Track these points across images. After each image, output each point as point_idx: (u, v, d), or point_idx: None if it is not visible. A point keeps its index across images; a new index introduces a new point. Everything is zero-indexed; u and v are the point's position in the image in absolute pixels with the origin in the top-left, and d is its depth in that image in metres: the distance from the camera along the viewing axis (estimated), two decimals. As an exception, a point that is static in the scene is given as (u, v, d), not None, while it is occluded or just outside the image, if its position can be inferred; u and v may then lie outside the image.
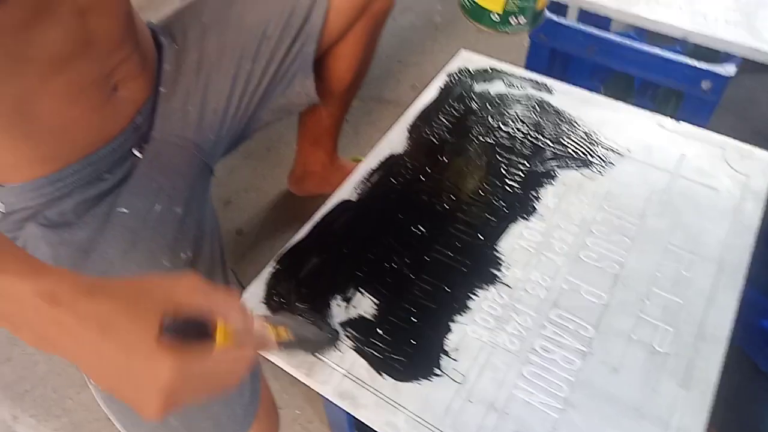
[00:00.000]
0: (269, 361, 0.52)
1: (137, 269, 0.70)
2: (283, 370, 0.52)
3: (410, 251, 0.60)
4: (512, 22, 0.63)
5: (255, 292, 0.58)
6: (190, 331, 0.40)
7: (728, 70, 0.86)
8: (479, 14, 0.64)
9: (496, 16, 0.63)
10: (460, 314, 0.55)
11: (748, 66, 0.87)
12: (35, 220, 0.68)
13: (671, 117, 0.95)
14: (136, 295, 0.39)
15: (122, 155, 0.73)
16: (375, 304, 0.56)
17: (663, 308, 0.55)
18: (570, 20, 1.05)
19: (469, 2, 0.64)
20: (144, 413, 0.38)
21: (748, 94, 1.46)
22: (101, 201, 0.70)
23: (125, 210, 0.71)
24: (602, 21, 0.99)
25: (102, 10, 0.66)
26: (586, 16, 1.01)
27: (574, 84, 1.12)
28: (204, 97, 0.82)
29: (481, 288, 0.57)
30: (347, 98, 1.15)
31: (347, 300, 0.56)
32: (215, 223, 0.81)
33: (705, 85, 0.88)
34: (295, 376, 0.52)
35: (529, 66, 1.04)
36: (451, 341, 0.53)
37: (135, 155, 0.74)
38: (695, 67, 0.87)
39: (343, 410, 0.50)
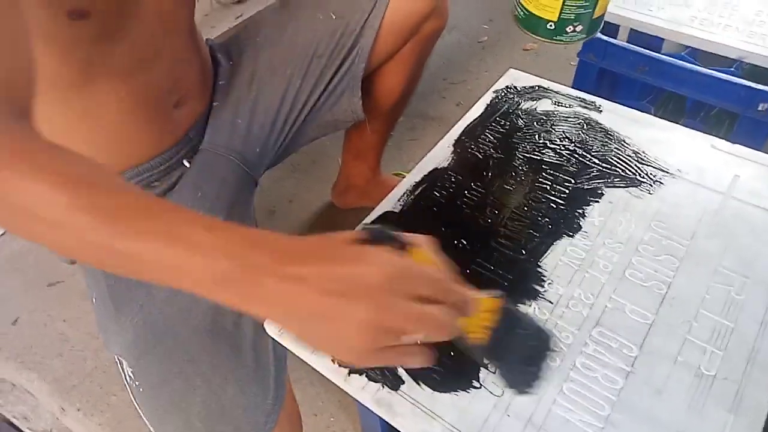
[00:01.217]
0: (308, 365, 0.53)
1: None
2: (320, 375, 0.53)
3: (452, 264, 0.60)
4: (568, 31, 0.62)
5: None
6: None
7: (787, 92, 0.84)
8: (534, 24, 0.63)
9: (552, 24, 0.62)
10: (501, 328, 0.55)
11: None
12: None
13: (725, 139, 0.93)
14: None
15: (173, 165, 0.75)
16: (415, 313, 0.56)
17: (712, 331, 0.54)
18: (620, 40, 1.04)
19: (523, 12, 0.64)
20: (352, 345, 0.39)
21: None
22: None
23: None
24: (653, 41, 0.98)
25: (171, 26, 0.69)
26: (636, 35, 1.01)
27: (624, 104, 1.11)
28: (253, 110, 0.84)
29: (523, 303, 0.57)
30: (393, 116, 1.17)
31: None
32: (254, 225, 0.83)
33: (762, 106, 0.86)
34: (333, 380, 0.53)
35: (577, 85, 1.03)
36: (490, 354, 0.53)
37: (184, 165, 0.76)
38: (752, 88, 0.85)
39: (378, 418, 0.51)
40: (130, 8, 0.62)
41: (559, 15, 0.61)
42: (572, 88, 1.04)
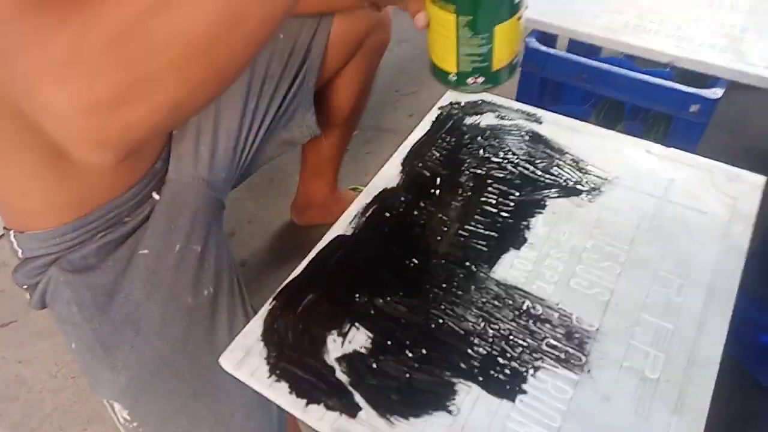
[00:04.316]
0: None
1: (162, 309, 0.71)
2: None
3: (404, 284, 0.61)
4: (470, 83, 0.65)
5: (253, 330, 0.59)
6: None
7: (715, 93, 0.88)
8: (439, 74, 0.65)
9: (453, 76, 0.64)
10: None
11: (741, 83, 0.89)
12: (58, 265, 0.70)
13: (662, 139, 0.97)
14: None
15: (142, 198, 0.75)
16: (370, 338, 0.57)
17: (654, 334, 0.56)
18: (560, 49, 1.08)
19: (430, 62, 0.66)
20: None
21: (740, 111, 1.47)
22: (122, 244, 0.72)
23: (146, 251, 0.73)
24: (593, 47, 1.02)
25: None
26: (576, 43, 1.04)
27: (567, 109, 1.14)
28: (214, 136, 0.84)
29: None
30: (347, 130, 1.18)
31: (343, 335, 0.58)
32: (231, 257, 0.83)
33: (693, 108, 0.90)
34: (291, 412, 0.53)
35: (521, 95, 1.06)
36: (446, 374, 0.54)
37: (153, 198, 0.76)
38: (682, 91, 0.89)
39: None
40: None
41: (457, 69, 0.63)
42: (517, 97, 1.08)
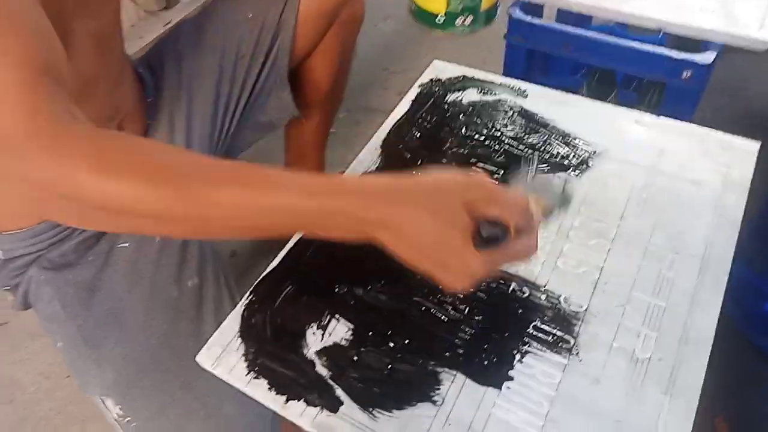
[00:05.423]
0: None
1: (145, 303, 0.70)
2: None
3: (385, 272, 0.59)
4: (458, 24, 0.62)
5: (231, 325, 0.57)
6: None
7: (707, 58, 0.85)
8: (425, 17, 0.63)
9: (441, 18, 0.62)
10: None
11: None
12: (38, 264, 0.69)
13: (656, 107, 0.94)
14: (442, 205, 0.43)
15: None
16: (351, 329, 0.55)
17: (645, 313, 0.54)
18: (547, 19, 1.04)
19: (414, 5, 0.63)
20: (451, 288, 0.45)
21: (739, 74, 1.43)
22: (101, 239, 0.71)
23: (126, 244, 0.71)
24: (583, 16, 0.98)
25: (105, 49, 0.67)
26: (565, 13, 1.00)
27: (557, 82, 1.11)
28: (188, 122, 0.82)
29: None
30: (328, 110, 1.15)
31: (323, 328, 0.56)
32: (215, 246, 0.81)
33: (685, 74, 0.87)
34: (271, 408, 0.51)
35: (508, 68, 1.03)
36: (429, 363, 0.52)
37: None
38: (673, 58, 0.86)
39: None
40: (64, 37, 0.59)
41: (447, 8, 0.61)
42: (504, 71, 1.04)
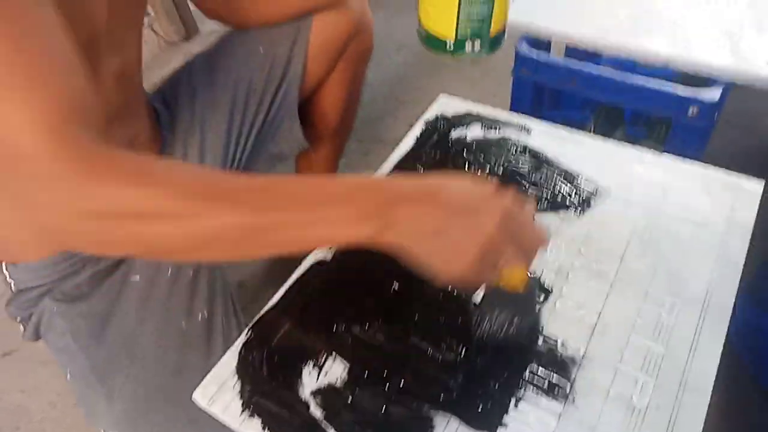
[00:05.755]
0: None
1: (156, 335, 0.71)
2: None
3: (384, 311, 0.59)
4: (467, 49, 0.63)
5: (228, 362, 0.57)
6: None
7: (713, 95, 0.85)
8: (434, 43, 0.64)
9: (450, 43, 0.63)
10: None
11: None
12: (50, 296, 0.70)
13: (664, 143, 0.93)
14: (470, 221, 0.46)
15: None
16: (347, 369, 0.55)
17: (643, 358, 0.53)
18: (557, 52, 1.05)
19: (423, 31, 0.65)
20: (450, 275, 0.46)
21: (753, 107, 1.42)
22: (114, 271, 0.72)
23: (137, 278, 0.72)
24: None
25: (126, 82, 0.69)
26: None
27: (566, 114, 1.11)
28: (201, 154, 0.84)
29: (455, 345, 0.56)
30: (338, 141, 1.17)
31: (319, 367, 0.56)
32: (225, 279, 0.82)
33: (692, 111, 0.87)
34: (265, 450, 0.51)
35: (515, 101, 1.03)
36: (424, 406, 0.52)
37: None
38: (679, 95, 0.86)
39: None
40: (92, 74, 0.61)
41: (456, 33, 0.62)
42: (511, 104, 1.05)
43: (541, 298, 0.58)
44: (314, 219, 0.44)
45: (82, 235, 0.45)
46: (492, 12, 0.61)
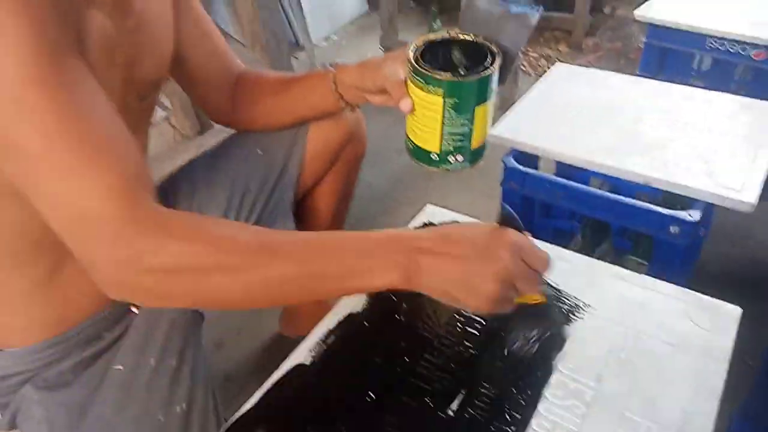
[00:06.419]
0: None
1: (133, 426, 0.70)
2: None
3: (359, 423, 0.59)
4: (451, 161, 0.67)
5: (195, 470, 0.56)
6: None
7: (693, 215, 0.87)
8: (421, 155, 0.68)
9: (435, 155, 0.67)
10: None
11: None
12: (32, 383, 0.70)
13: (649, 258, 0.94)
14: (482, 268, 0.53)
15: (121, 314, 0.75)
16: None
17: (618, 488, 0.52)
18: (546, 165, 1.10)
19: (411, 144, 0.69)
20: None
21: (743, 222, 1.45)
22: (98, 359, 0.72)
23: (120, 367, 0.72)
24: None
25: None
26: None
27: (556, 224, 1.14)
28: None
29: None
30: None
31: (287, 479, 0.54)
32: (208, 370, 0.81)
33: (673, 230, 0.89)
34: None
35: (505, 211, 1.07)
36: None
37: (132, 312, 0.77)
38: (659, 213, 0.88)
39: None
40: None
41: (440, 149, 0.66)
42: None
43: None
44: (351, 270, 0.53)
45: (146, 289, 0.51)
46: (472, 131, 0.66)
